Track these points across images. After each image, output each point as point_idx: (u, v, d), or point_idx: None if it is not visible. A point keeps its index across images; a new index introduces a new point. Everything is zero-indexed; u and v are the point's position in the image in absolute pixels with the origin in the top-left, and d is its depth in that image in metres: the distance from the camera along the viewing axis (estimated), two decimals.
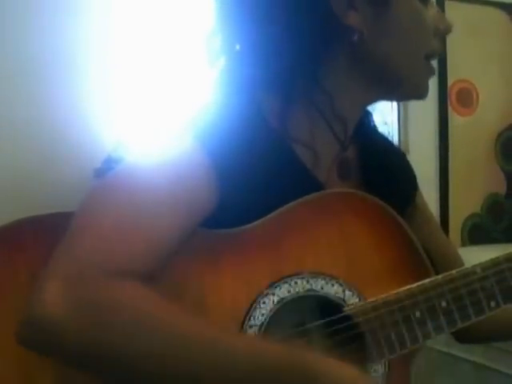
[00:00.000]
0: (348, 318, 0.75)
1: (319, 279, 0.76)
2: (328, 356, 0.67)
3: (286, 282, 0.74)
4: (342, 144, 0.84)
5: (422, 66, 0.84)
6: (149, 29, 2.15)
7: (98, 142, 2.09)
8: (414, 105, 2.25)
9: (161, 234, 0.69)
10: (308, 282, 0.75)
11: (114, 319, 0.63)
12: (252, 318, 0.73)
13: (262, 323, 0.73)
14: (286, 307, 0.75)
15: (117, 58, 2.12)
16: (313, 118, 0.81)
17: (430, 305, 0.76)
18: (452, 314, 0.77)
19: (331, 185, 0.83)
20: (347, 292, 0.76)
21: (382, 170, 0.88)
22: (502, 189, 2.63)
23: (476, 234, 2.57)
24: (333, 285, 0.76)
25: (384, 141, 0.97)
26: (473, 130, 2.56)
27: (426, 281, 0.77)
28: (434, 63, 0.86)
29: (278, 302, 0.74)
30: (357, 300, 0.76)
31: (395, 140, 2.40)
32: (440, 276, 0.77)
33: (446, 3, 2.38)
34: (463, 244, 2.54)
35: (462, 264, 0.91)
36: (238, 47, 0.81)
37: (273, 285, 0.74)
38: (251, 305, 0.73)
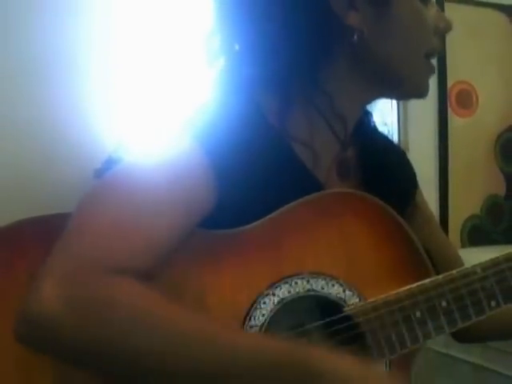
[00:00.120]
0: (348, 318, 0.75)
1: (319, 279, 0.76)
2: (334, 352, 0.65)
3: (287, 283, 0.74)
4: (342, 143, 0.84)
5: (423, 65, 0.84)
6: (149, 29, 2.15)
7: (99, 143, 2.09)
8: (413, 105, 2.25)
9: (160, 233, 0.69)
10: (308, 282, 0.75)
11: (111, 316, 0.63)
12: (252, 319, 0.73)
13: (263, 323, 0.73)
14: (286, 307, 0.75)
15: (118, 58, 2.12)
16: (312, 118, 0.81)
17: (431, 305, 0.76)
18: (452, 313, 0.77)
19: (331, 184, 0.83)
20: (347, 292, 0.76)
21: (382, 170, 0.88)
22: (501, 190, 2.63)
23: (475, 235, 2.57)
24: (333, 285, 0.76)
25: (384, 140, 0.97)
26: (472, 132, 2.56)
27: (427, 281, 0.77)
28: (434, 62, 0.86)
29: (279, 302, 0.74)
30: (357, 300, 0.76)
31: (395, 141, 2.40)
32: (440, 276, 0.77)
33: (446, 5, 2.38)
34: (463, 245, 2.54)
35: (462, 264, 0.91)
36: (236, 47, 0.81)
37: (273, 285, 0.74)
38: (252, 305, 0.73)
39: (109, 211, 0.68)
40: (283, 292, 0.74)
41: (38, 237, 0.72)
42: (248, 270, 0.74)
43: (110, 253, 0.66)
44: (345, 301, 0.76)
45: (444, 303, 0.76)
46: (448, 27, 0.85)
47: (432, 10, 0.83)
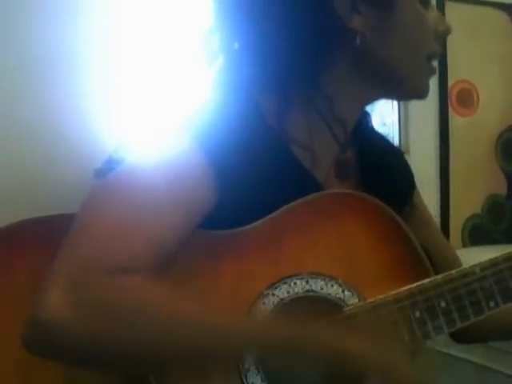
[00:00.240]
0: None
1: (318, 280, 0.76)
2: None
3: (286, 283, 0.74)
4: (342, 145, 0.84)
5: (424, 67, 0.84)
6: (149, 29, 2.15)
7: (99, 143, 2.09)
8: (414, 106, 2.25)
9: (161, 233, 0.69)
10: (307, 282, 0.75)
11: (117, 315, 0.64)
12: None
13: None
14: (285, 308, 0.75)
15: (118, 58, 2.13)
16: (311, 119, 0.81)
17: (430, 305, 0.76)
18: (451, 313, 0.77)
19: (330, 185, 0.83)
20: (347, 292, 0.76)
21: (380, 170, 0.88)
22: (502, 190, 2.63)
23: (476, 234, 2.57)
24: (332, 285, 0.76)
25: (382, 140, 0.97)
26: (473, 131, 2.56)
27: (426, 281, 0.77)
28: (435, 63, 0.86)
29: (278, 302, 0.74)
30: (356, 300, 0.76)
31: (395, 141, 2.40)
32: (439, 276, 0.77)
33: (446, 4, 2.39)
34: (464, 245, 2.54)
35: (461, 264, 0.91)
36: (236, 46, 0.81)
37: (273, 285, 0.74)
38: (251, 305, 0.73)
39: (111, 212, 0.69)
40: (282, 292, 0.74)
41: (38, 237, 0.73)
42: (248, 271, 0.74)
43: (112, 253, 0.66)
44: (344, 301, 0.76)
45: (443, 303, 0.76)
46: (447, 30, 0.86)
47: (432, 14, 0.83)
